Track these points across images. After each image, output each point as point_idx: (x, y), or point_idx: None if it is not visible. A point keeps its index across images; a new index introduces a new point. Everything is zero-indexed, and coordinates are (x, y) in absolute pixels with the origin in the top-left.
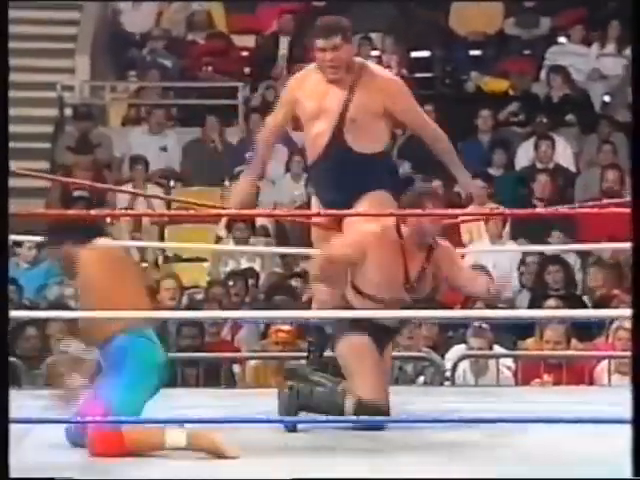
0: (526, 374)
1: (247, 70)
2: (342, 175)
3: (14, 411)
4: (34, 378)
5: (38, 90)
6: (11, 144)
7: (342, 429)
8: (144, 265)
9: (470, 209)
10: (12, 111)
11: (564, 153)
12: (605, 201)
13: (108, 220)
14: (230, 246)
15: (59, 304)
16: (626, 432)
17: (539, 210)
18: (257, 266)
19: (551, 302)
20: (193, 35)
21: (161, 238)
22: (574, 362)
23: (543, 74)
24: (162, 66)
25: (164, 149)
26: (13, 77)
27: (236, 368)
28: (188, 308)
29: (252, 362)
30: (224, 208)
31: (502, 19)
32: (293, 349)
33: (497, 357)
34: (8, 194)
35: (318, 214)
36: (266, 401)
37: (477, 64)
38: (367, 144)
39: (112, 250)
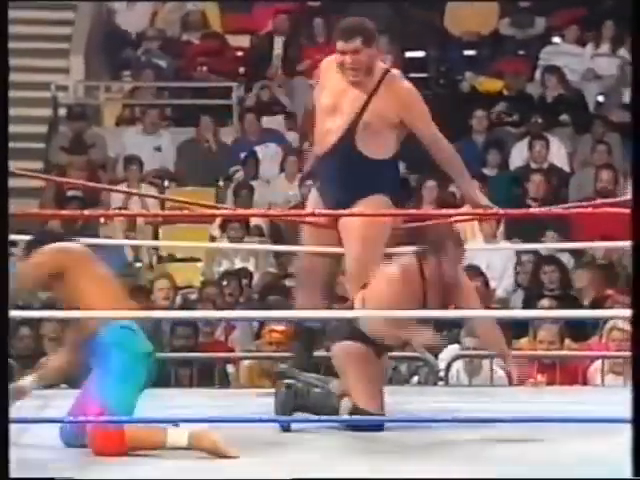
0: (520, 374)
1: (242, 70)
2: (345, 175)
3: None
4: None
5: (32, 90)
6: None
7: (340, 429)
8: (138, 265)
9: (464, 209)
10: None
11: (558, 153)
12: (599, 201)
13: (102, 220)
14: (223, 244)
15: (52, 304)
16: (623, 432)
17: (533, 210)
18: (251, 266)
19: (544, 302)
20: (188, 35)
21: (155, 238)
22: (568, 362)
23: (538, 74)
24: (157, 66)
25: (158, 149)
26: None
27: (230, 368)
28: (182, 308)
29: (246, 362)
30: (218, 208)
31: (497, 19)
32: (287, 349)
33: (491, 357)
34: (8, 194)
35: (312, 214)
36: (260, 401)
37: (472, 64)
38: (376, 150)
39: (74, 250)
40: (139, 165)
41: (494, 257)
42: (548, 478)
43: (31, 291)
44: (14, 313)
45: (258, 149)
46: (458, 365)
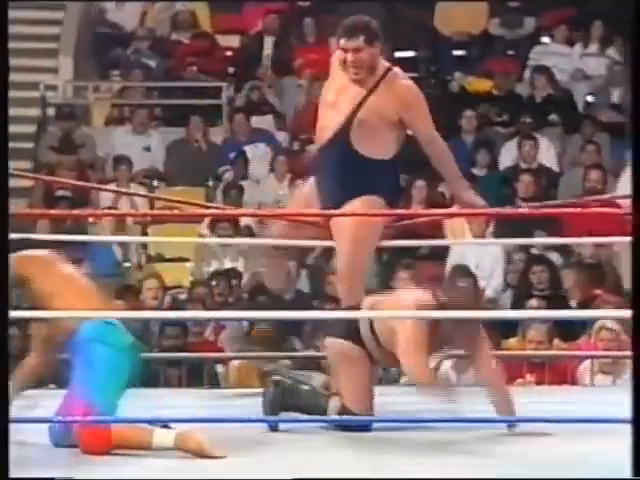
0: (509, 374)
1: (231, 70)
2: (339, 172)
3: None
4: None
5: (21, 90)
6: None
7: (328, 429)
8: (127, 265)
9: (453, 209)
10: None
11: (547, 153)
12: (588, 199)
13: (91, 220)
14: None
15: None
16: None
17: (522, 210)
18: (240, 266)
19: (533, 302)
20: (177, 35)
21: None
22: (557, 362)
23: (527, 74)
24: (146, 66)
25: (148, 149)
26: None
27: (219, 368)
28: (171, 308)
29: (235, 362)
30: (208, 207)
31: (486, 19)
32: (276, 349)
33: None
34: (8, 194)
35: (302, 214)
36: (249, 401)
37: (461, 64)
38: (374, 149)
39: (33, 257)
40: (128, 165)
41: (483, 257)
42: (548, 478)
43: None
44: (14, 313)
45: (247, 149)
46: (447, 364)
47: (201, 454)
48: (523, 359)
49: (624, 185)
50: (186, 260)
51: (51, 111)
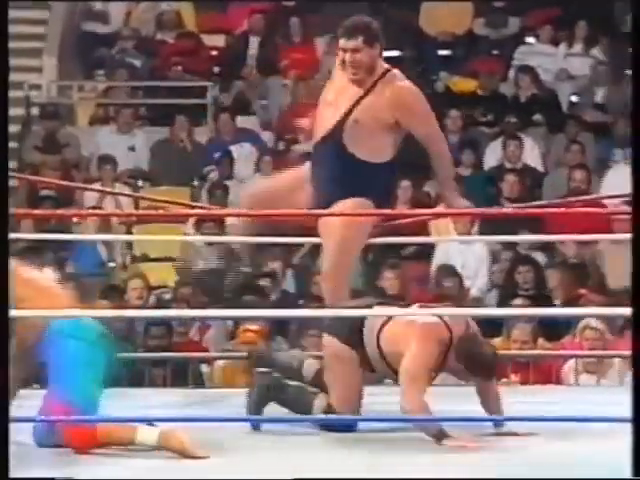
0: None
1: (217, 70)
2: (330, 171)
3: None
4: None
5: None
6: None
7: (313, 428)
8: (112, 265)
9: (439, 209)
10: None
11: (532, 153)
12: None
13: (75, 219)
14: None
15: None
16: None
17: (507, 209)
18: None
19: (518, 301)
20: (162, 34)
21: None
22: (541, 361)
23: (511, 74)
24: (131, 65)
25: (132, 149)
26: None
27: (204, 368)
28: (156, 308)
29: (220, 362)
30: (193, 207)
31: (471, 19)
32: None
33: None
34: (8, 194)
35: (288, 214)
36: (234, 401)
37: (446, 64)
38: (364, 150)
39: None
40: (113, 165)
41: (469, 257)
42: (548, 478)
43: None
44: (14, 313)
45: (233, 149)
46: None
47: (183, 454)
48: (508, 359)
49: (608, 185)
50: (171, 260)
51: (35, 110)
